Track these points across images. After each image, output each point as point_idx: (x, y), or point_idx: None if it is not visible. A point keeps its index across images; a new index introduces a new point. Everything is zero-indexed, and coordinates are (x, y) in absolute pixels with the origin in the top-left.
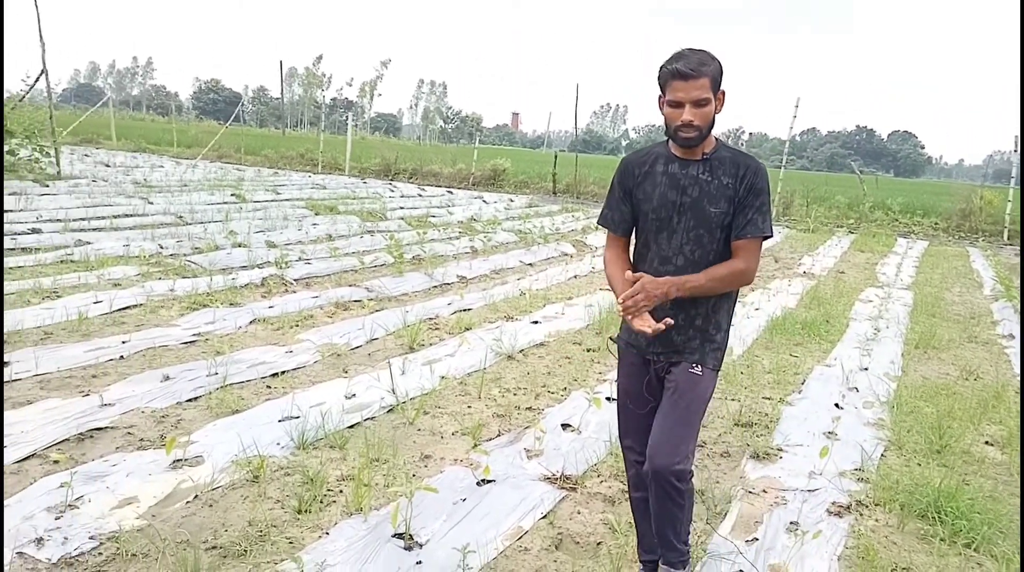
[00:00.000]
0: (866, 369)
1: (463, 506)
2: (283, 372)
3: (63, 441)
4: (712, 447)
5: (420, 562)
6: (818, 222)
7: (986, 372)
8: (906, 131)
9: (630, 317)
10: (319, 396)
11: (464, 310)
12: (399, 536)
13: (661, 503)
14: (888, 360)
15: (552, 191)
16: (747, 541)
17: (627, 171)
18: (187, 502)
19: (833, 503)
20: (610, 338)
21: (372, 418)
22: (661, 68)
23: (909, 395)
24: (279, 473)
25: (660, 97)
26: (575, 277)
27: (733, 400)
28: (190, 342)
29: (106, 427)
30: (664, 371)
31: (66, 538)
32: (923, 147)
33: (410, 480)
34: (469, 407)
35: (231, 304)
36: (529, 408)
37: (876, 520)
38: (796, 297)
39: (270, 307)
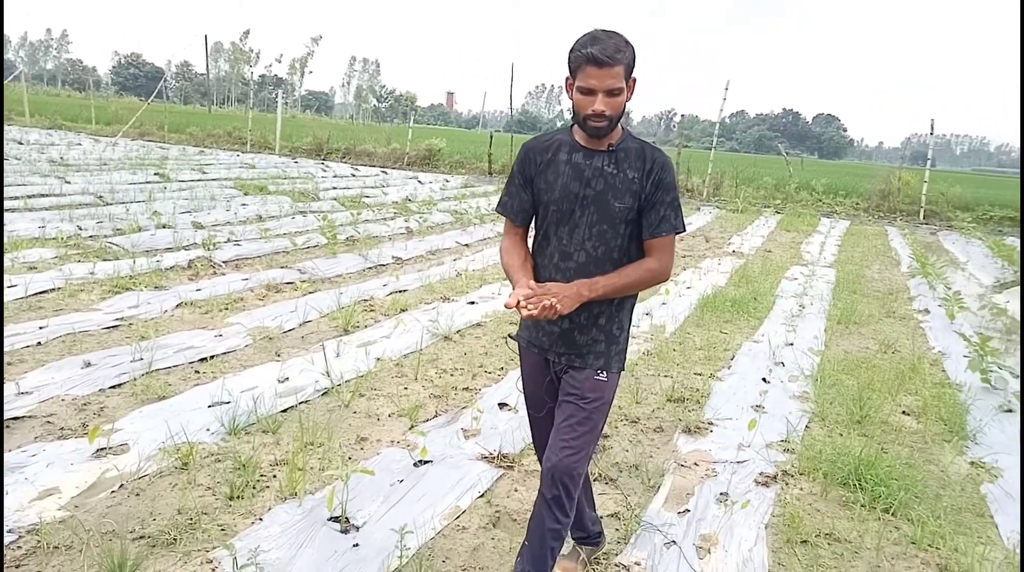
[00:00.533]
0: (791, 344)
1: (400, 487)
2: (213, 356)
3: None
4: (646, 422)
5: (357, 545)
6: (747, 202)
7: (903, 345)
8: (830, 114)
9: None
10: (251, 380)
11: (400, 291)
12: (335, 519)
13: (556, 501)
14: (812, 335)
15: (488, 171)
16: (679, 512)
17: (528, 158)
18: (112, 492)
19: (761, 474)
20: (508, 336)
21: (306, 402)
22: (573, 50)
23: (832, 369)
24: (209, 460)
25: (568, 79)
26: None
27: (666, 377)
28: (113, 327)
29: (24, 416)
30: (564, 372)
31: None
32: (846, 130)
33: (346, 463)
34: (406, 388)
35: (156, 287)
36: (466, 388)
37: (801, 489)
38: (726, 275)
39: (198, 290)
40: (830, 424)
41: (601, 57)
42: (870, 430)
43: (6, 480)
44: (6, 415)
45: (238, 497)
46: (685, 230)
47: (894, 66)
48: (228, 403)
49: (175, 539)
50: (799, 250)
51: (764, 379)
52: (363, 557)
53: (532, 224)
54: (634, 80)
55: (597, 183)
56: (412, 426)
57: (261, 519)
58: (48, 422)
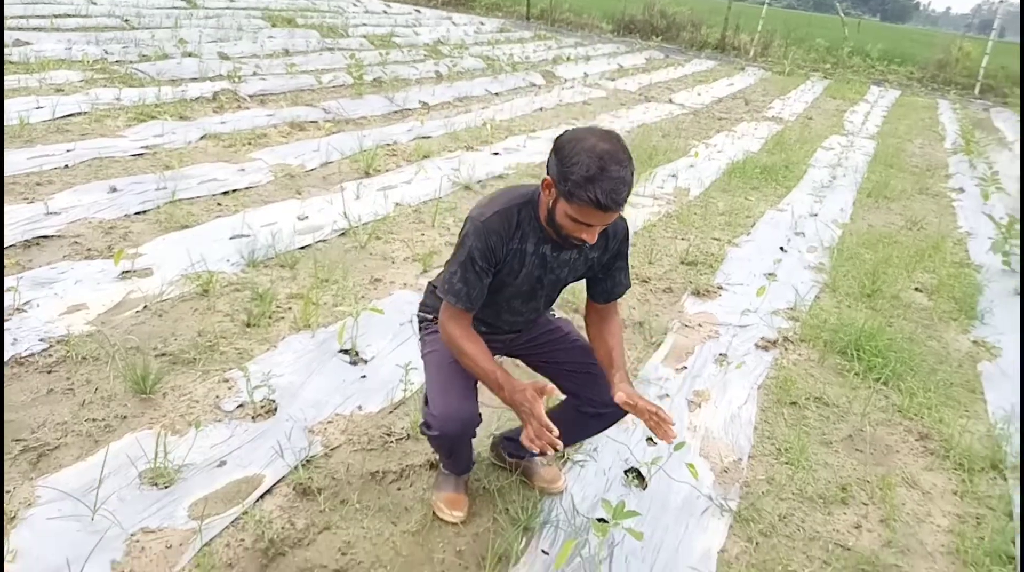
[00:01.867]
0: (815, 215)
1: (408, 328)
2: (234, 190)
3: (9, 247)
4: (656, 283)
5: (364, 376)
6: (795, 65)
7: (930, 223)
8: None
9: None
10: (271, 216)
11: (424, 137)
12: (345, 352)
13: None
14: (839, 207)
15: (526, 16)
16: (677, 369)
17: (490, 246)
18: (136, 311)
19: (762, 338)
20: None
21: (324, 241)
22: (573, 178)
23: (852, 242)
24: (228, 289)
25: (554, 197)
26: (541, 109)
27: (683, 240)
28: (138, 155)
29: (53, 235)
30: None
31: (16, 339)
32: None
33: (358, 301)
34: (422, 234)
35: (181, 117)
36: None
37: (799, 355)
38: (760, 141)
39: (222, 123)
40: (840, 296)
41: (610, 204)
42: (879, 304)
43: (38, 294)
44: (37, 234)
45: (255, 325)
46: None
47: None
48: (248, 236)
49: (195, 358)
50: (842, 119)
51: (782, 248)
52: (369, 388)
53: None
54: None
55: (561, 271)
56: (424, 270)
57: (275, 346)
58: (76, 242)
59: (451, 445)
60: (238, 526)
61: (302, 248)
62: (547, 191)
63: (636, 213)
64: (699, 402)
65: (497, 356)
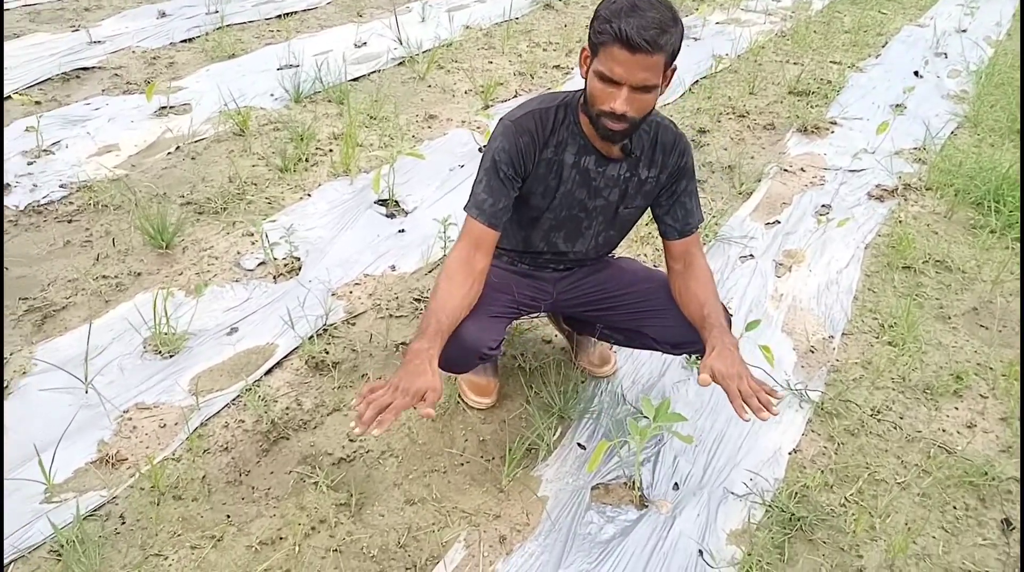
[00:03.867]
0: (964, 31)
1: (460, 173)
2: (291, 13)
3: (46, 81)
4: (756, 118)
5: (403, 230)
6: None
7: None
8: None
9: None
10: (326, 43)
11: None
12: (382, 202)
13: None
14: (994, 20)
15: None
16: (767, 224)
17: (521, 148)
18: (168, 153)
19: (877, 186)
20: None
21: (379, 71)
22: (599, 16)
23: (1006, 63)
24: (268, 127)
25: (585, 52)
26: None
27: (795, 64)
28: None
29: (93, 67)
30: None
31: (35, 185)
32: None
33: (405, 141)
34: (490, 62)
35: None
36: (557, 66)
37: (922, 206)
38: None
39: None
40: (982, 131)
41: (637, 40)
42: None
43: (68, 134)
44: (77, 66)
45: (290, 170)
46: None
47: None
48: (297, 66)
49: (222, 207)
50: None
51: (916, 72)
52: (406, 244)
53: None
54: (673, 70)
55: (610, 193)
56: (486, 106)
57: (310, 195)
58: (116, 75)
59: (448, 367)
60: (239, 404)
61: (355, 80)
62: (584, 67)
63: (741, 31)
64: (789, 265)
65: (544, 311)
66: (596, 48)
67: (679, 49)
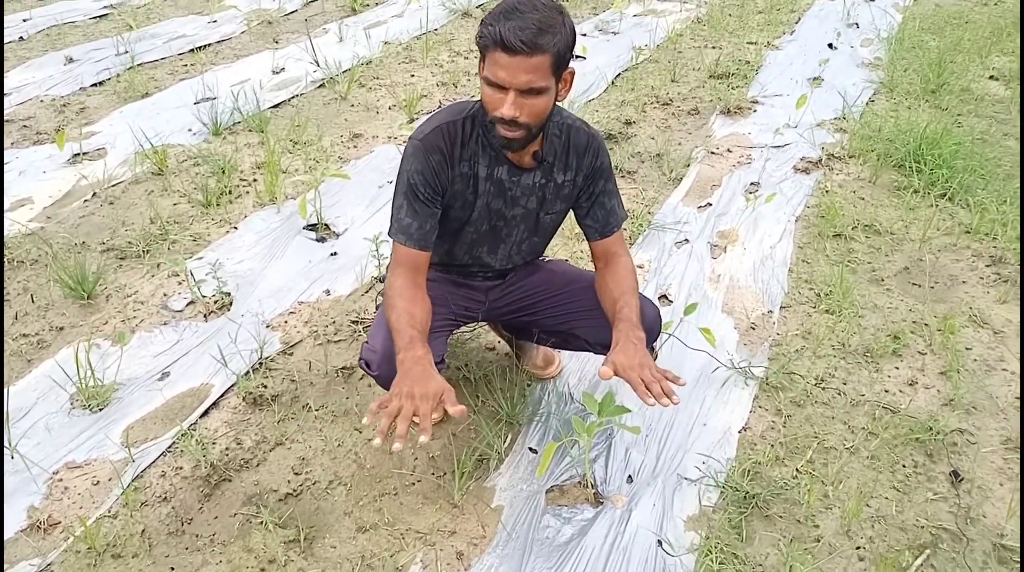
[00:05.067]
0: (873, 0)
1: (389, 190)
2: (204, 46)
3: None
4: (680, 104)
5: (335, 253)
6: None
7: None
8: None
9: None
10: (243, 72)
11: None
12: (311, 227)
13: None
14: None
15: None
16: (699, 207)
17: (435, 167)
18: (85, 201)
19: (802, 159)
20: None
21: (300, 95)
22: (484, 22)
23: (915, 28)
24: (187, 163)
25: (480, 61)
26: None
27: (713, 48)
28: (100, 16)
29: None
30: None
31: None
32: None
33: (331, 163)
34: (412, 76)
35: None
36: (479, 73)
37: (847, 174)
38: None
39: None
40: (898, 95)
41: (514, 42)
42: (945, 101)
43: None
44: None
45: (213, 204)
46: (627, 216)
47: None
48: (214, 99)
49: (145, 250)
50: None
51: (830, 45)
52: (340, 266)
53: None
54: (571, 73)
55: (528, 202)
56: (411, 120)
57: (236, 228)
58: (25, 126)
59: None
60: (176, 451)
61: (275, 107)
62: (481, 76)
63: (658, 21)
64: (724, 246)
65: (481, 320)
66: (483, 53)
67: (569, 49)
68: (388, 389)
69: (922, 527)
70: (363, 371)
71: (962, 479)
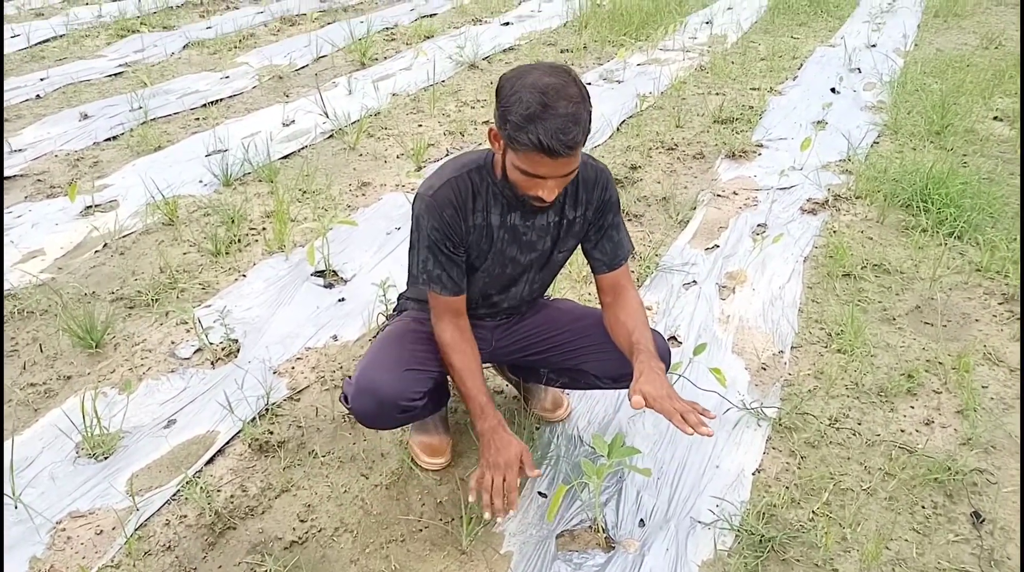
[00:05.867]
0: (874, 46)
1: (397, 235)
2: (216, 101)
3: None
4: (685, 149)
5: (343, 299)
6: None
7: (1010, 38)
8: None
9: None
10: (254, 125)
11: (428, 16)
12: (319, 274)
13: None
14: (900, 34)
15: None
16: (707, 249)
17: (450, 222)
18: (96, 252)
19: (808, 200)
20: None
21: (310, 146)
22: (512, 120)
23: (917, 72)
24: (198, 214)
25: (494, 132)
26: None
27: (717, 94)
28: (116, 74)
29: (15, 175)
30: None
31: None
32: None
33: (340, 211)
34: (419, 126)
35: (164, 28)
36: (486, 122)
37: (854, 215)
38: None
39: (208, 28)
40: (903, 137)
41: (559, 148)
42: (950, 142)
43: None
44: None
45: (223, 253)
46: (633, 248)
47: None
48: (226, 151)
49: (154, 299)
50: None
51: (833, 89)
52: (347, 312)
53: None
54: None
55: (542, 243)
56: (419, 168)
57: (245, 275)
58: (39, 180)
59: (369, 423)
60: (180, 499)
61: (285, 157)
62: (496, 144)
63: (661, 70)
64: (733, 287)
65: (486, 362)
66: (513, 146)
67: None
68: (362, 424)
69: (944, 570)
70: (342, 405)
71: (983, 520)
